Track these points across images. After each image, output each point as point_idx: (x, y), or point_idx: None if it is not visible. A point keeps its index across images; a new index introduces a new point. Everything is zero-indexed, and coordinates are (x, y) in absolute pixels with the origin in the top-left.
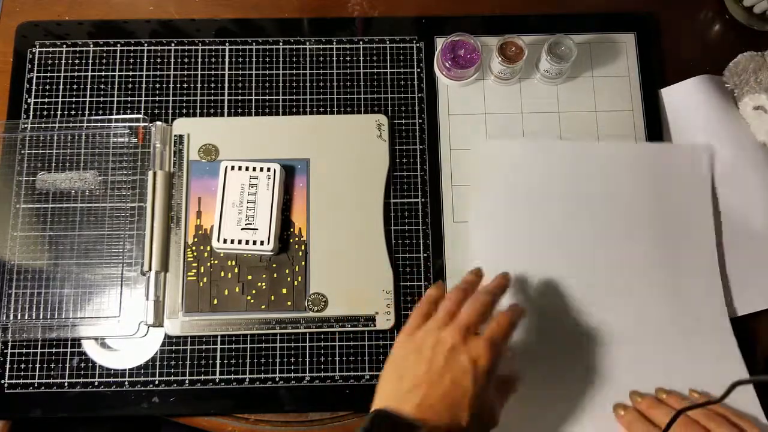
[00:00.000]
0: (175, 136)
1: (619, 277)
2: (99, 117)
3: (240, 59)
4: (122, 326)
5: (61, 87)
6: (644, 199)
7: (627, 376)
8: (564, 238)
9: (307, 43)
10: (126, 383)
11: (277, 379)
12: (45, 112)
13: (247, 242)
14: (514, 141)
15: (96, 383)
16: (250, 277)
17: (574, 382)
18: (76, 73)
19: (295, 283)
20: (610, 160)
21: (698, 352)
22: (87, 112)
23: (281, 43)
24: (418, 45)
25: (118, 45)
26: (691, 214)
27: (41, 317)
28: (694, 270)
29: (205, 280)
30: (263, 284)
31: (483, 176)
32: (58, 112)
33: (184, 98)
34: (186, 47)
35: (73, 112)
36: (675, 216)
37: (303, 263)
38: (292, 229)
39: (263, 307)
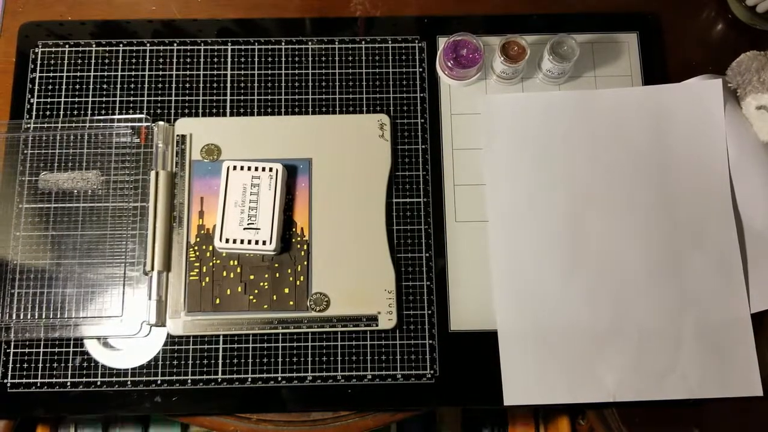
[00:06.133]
0: (177, 136)
1: (629, 223)
2: (101, 117)
3: (242, 59)
4: (125, 326)
5: (63, 87)
6: (653, 142)
7: (632, 328)
8: (576, 191)
9: (309, 43)
10: (128, 383)
11: (279, 378)
12: (48, 112)
13: (249, 242)
14: (516, 94)
15: (98, 383)
16: (252, 277)
17: (577, 353)
18: (78, 73)
19: (297, 282)
20: (615, 106)
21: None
22: (89, 112)
23: (283, 43)
24: (420, 45)
25: (121, 45)
26: (704, 153)
27: (44, 317)
28: (706, 208)
29: (207, 279)
30: (265, 284)
31: (488, 132)
32: (61, 112)
33: (187, 98)
34: (188, 47)
35: (75, 112)
36: (686, 158)
37: (305, 263)
38: (294, 229)
39: (265, 306)
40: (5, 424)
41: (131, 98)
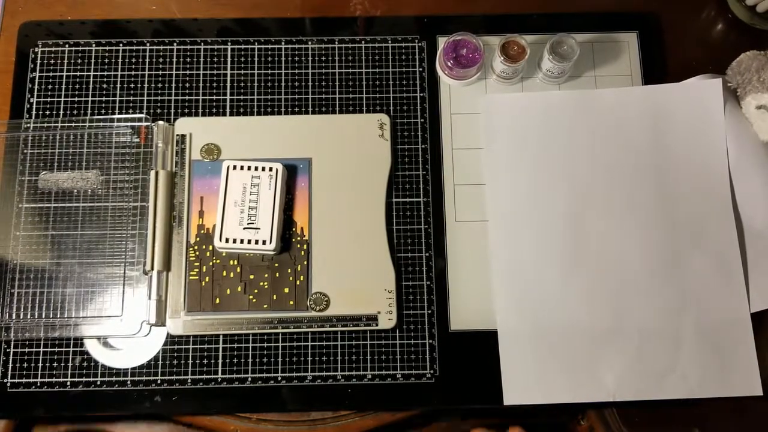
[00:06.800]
0: (177, 135)
1: (629, 223)
2: (101, 117)
3: (242, 59)
4: (124, 325)
5: (63, 86)
6: (653, 141)
7: (631, 330)
8: (576, 191)
9: (309, 43)
10: (128, 382)
11: (279, 378)
12: (47, 112)
13: (249, 242)
14: (516, 93)
15: (98, 382)
16: (252, 277)
17: (577, 352)
18: (78, 73)
19: (297, 282)
20: (615, 106)
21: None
22: (89, 111)
23: (283, 43)
24: (420, 44)
25: (121, 44)
26: (704, 153)
27: (44, 316)
28: (706, 208)
29: (207, 279)
30: (265, 284)
31: (488, 132)
32: (61, 112)
33: (187, 98)
34: (188, 47)
35: (75, 112)
36: (686, 157)
37: (305, 263)
38: (294, 229)
39: (265, 306)
40: (5, 424)
41: (131, 98)
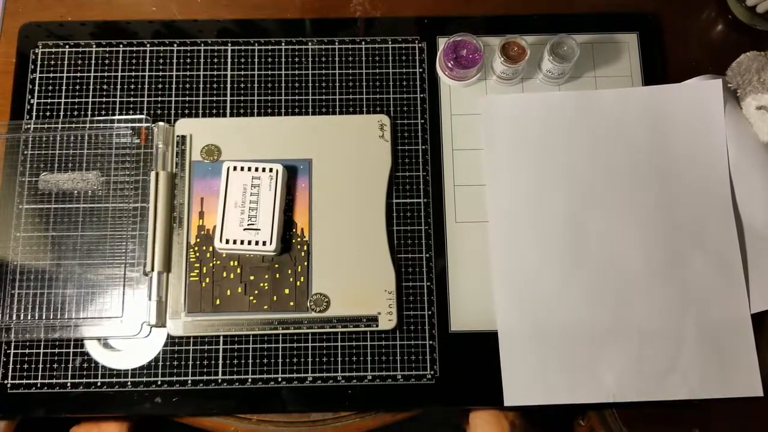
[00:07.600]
0: (177, 136)
1: (629, 223)
2: (102, 117)
3: (242, 60)
4: (125, 326)
5: (63, 87)
6: (653, 142)
7: (631, 329)
8: (576, 191)
9: (310, 44)
10: (129, 383)
11: (280, 379)
12: (48, 113)
13: (249, 242)
14: (516, 94)
15: (99, 383)
16: (252, 278)
17: (577, 352)
18: (78, 74)
19: (298, 283)
20: (615, 106)
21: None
22: (90, 112)
23: (283, 44)
24: (420, 45)
25: (121, 45)
26: (704, 153)
27: (44, 317)
28: (706, 208)
29: (207, 280)
30: (265, 284)
31: (488, 133)
32: (61, 113)
33: (187, 99)
34: (188, 48)
35: (75, 113)
36: (686, 158)
37: (305, 263)
38: (294, 230)
39: (266, 307)
40: (6, 424)
41: (131, 99)
